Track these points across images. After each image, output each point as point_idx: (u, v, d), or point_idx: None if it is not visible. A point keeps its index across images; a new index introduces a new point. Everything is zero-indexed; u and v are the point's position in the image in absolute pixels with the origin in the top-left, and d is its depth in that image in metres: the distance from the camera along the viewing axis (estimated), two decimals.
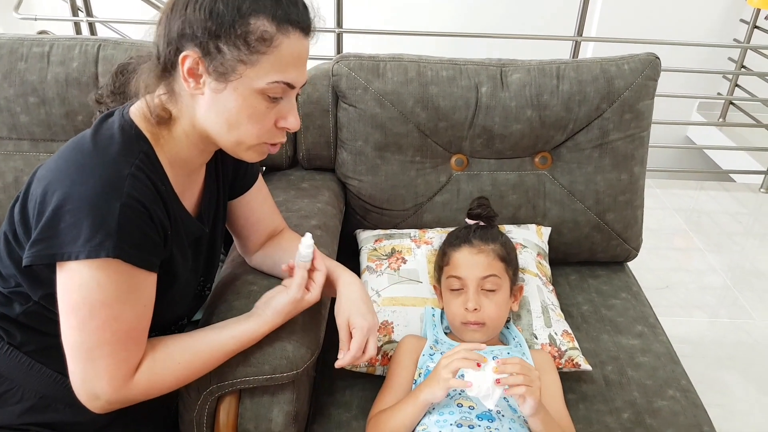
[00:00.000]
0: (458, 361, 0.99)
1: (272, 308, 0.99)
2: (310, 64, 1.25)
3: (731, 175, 3.53)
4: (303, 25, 0.85)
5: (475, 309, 1.13)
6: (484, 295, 1.15)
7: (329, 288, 1.10)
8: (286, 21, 0.83)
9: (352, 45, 2.59)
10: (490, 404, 0.96)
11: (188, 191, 0.98)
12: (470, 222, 1.27)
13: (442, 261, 1.22)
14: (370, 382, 1.23)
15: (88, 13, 2.60)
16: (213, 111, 0.86)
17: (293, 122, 0.90)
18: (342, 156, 1.51)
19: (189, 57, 0.82)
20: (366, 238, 1.47)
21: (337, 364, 1.01)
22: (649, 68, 1.48)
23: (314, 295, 1.01)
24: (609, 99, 1.46)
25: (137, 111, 0.90)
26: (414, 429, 1.04)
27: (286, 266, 1.04)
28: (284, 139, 0.93)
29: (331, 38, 2.52)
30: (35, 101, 1.44)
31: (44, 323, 0.89)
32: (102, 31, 2.85)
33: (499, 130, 1.47)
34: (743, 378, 1.97)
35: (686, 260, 2.61)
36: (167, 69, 0.86)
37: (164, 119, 0.89)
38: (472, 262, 1.16)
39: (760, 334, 2.17)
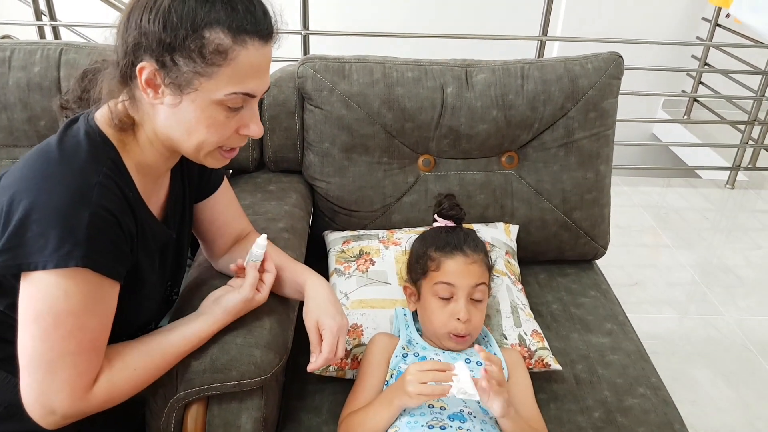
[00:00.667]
0: (426, 376, 0.98)
1: (222, 307, 1.00)
2: (275, 66, 1.24)
3: (697, 171, 3.59)
4: (262, 33, 0.83)
5: (468, 320, 1.11)
6: (472, 305, 1.13)
7: (296, 292, 1.09)
8: (242, 31, 0.81)
9: (318, 47, 2.58)
10: (476, 397, 0.95)
11: (154, 196, 0.97)
12: (441, 221, 1.26)
13: (427, 265, 1.17)
14: (340, 386, 1.22)
15: (52, 17, 2.55)
16: (172, 120, 0.86)
17: (255, 130, 0.89)
18: (309, 158, 1.50)
19: (145, 69, 0.81)
20: (334, 239, 1.46)
21: (310, 368, 1.00)
22: (613, 67, 1.49)
23: (263, 295, 1.03)
24: (573, 98, 1.47)
25: (102, 117, 0.89)
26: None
27: (234, 266, 1.06)
28: (243, 143, 0.92)
29: (297, 40, 2.50)
30: None
31: (8, 331, 0.86)
32: (66, 35, 2.79)
33: (465, 130, 1.47)
34: (713, 374, 2.00)
35: (654, 257, 2.65)
36: (126, 77, 0.84)
37: (127, 125, 0.88)
38: (467, 272, 1.14)
39: (729, 329, 2.21)
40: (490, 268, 1.21)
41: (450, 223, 1.25)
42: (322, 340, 1.02)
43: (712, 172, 3.40)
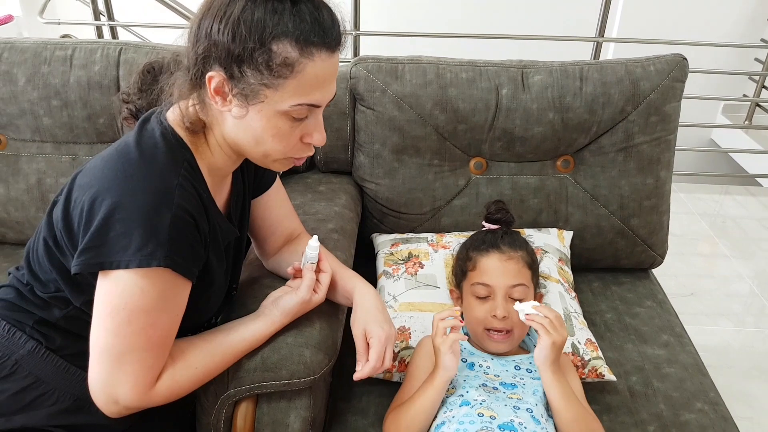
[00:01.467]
0: (443, 324, 1.04)
1: (280, 309, 1.01)
2: None
3: (758, 179, 3.45)
4: (329, 44, 0.83)
5: (504, 317, 1.10)
6: (511, 303, 1.11)
7: (345, 298, 1.09)
8: (310, 44, 0.81)
9: (369, 47, 2.58)
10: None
11: (219, 194, 0.99)
12: (488, 226, 1.24)
13: (465, 266, 1.18)
14: (387, 389, 1.21)
15: (110, 17, 2.62)
16: (240, 128, 0.87)
17: (319, 138, 0.90)
18: (359, 159, 1.50)
19: (214, 78, 0.82)
20: (383, 242, 1.45)
21: (356, 376, 1.00)
22: (676, 69, 1.44)
23: (320, 296, 1.04)
24: (634, 101, 1.42)
25: (174, 118, 0.90)
26: (431, 426, 1.03)
27: (291, 268, 1.06)
28: (311, 153, 0.93)
29: (348, 40, 2.50)
30: (58, 104, 1.45)
31: (83, 328, 0.89)
32: (123, 35, 2.87)
33: (519, 133, 1.44)
34: None
35: (711, 267, 2.55)
36: (196, 83, 0.86)
37: (198, 128, 0.90)
38: (502, 270, 1.13)
39: None
40: (532, 267, 1.17)
41: (497, 227, 1.23)
42: (369, 349, 1.01)
43: None
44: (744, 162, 3.69)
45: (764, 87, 3.62)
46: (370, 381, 1.22)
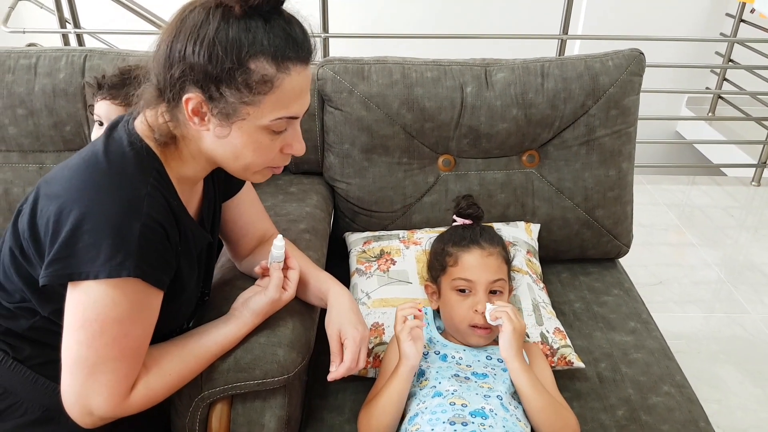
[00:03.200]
0: (401, 313, 1.07)
1: (250, 310, 1.02)
2: None
3: (722, 169, 3.54)
4: (303, 57, 0.85)
5: None
6: (492, 298, 1.14)
7: (319, 299, 1.11)
8: (285, 59, 0.82)
9: (337, 49, 2.60)
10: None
11: (191, 201, 0.99)
12: (460, 221, 1.26)
13: (445, 261, 1.19)
14: (362, 385, 1.22)
15: (76, 25, 2.60)
16: (219, 145, 0.88)
17: (298, 148, 0.92)
18: (329, 159, 1.51)
19: (192, 100, 0.83)
20: (355, 240, 1.47)
21: (330, 377, 1.02)
22: (634, 64, 1.48)
23: (290, 293, 1.05)
24: (594, 96, 1.46)
25: (142, 127, 0.89)
26: (404, 418, 1.06)
27: (259, 267, 1.07)
28: (287, 162, 0.94)
29: (317, 43, 2.52)
30: (23, 113, 1.44)
31: (51, 337, 0.89)
32: (90, 43, 2.84)
33: (485, 130, 1.47)
34: (739, 372, 1.97)
35: (679, 255, 2.61)
36: (172, 104, 0.85)
37: (168, 140, 0.90)
38: (483, 265, 1.15)
39: (755, 327, 2.17)
40: (508, 262, 1.21)
41: (468, 222, 1.25)
42: (343, 349, 1.03)
43: (738, 169, 3.35)
44: (708, 152, 3.78)
45: (725, 79, 3.71)
46: (345, 378, 1.23)
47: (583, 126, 1.48)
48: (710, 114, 3.85)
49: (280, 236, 1.04)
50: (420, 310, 1.07)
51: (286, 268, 1.06)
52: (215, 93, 0.81)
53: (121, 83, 1.23)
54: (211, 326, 1.01)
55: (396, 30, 2.96)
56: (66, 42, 2.70)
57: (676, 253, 2.63)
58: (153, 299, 0.88)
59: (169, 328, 1.02)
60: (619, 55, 1.49)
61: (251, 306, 1.02)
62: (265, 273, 1.07)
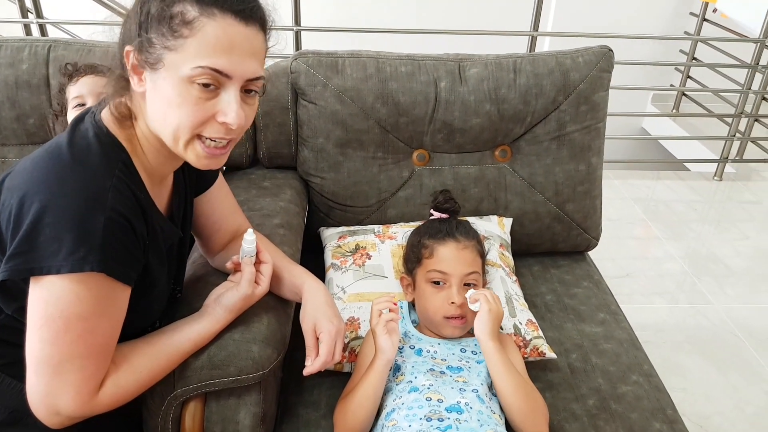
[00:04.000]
0: (377, 307, 1.08)
1: (223, 306, 1.00)
2: (269, 62, 1.24)
3: (686, 164, 3.62)
4: (236, 10, 0.80)
5: (462, 303, 1.13)
6: (465, 290, 1.15)
7: (294, 294, 1.10)
8: (212, 4, 0.79)
9: (309, 43, 2.58)
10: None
11: (160, 195, 0.97)
12: (437, 215, 1.27)
13: (420, 253, 1.20)
14: (338, 380, 1.22)
15: (38, 15, 2.53)
16: (153, 106, 0.84)
17: (232, 117, 0.83)
18: (303, 153, 1.50)
19: (130, 53, 0.83)
20: (330, 235, 1.46)
21: (306, 371, 1.01)
22: (603, 60, 1.50)
23: (263, 287, 1.03)
24: (565, 91, 1.48)
25: (107, 116, 0.88)
26: (381, 414, 1.05)
27: (231, 263, 1.05)
28: (228, 137, 0.86)
29: (289, 36, 2.50)
30: None
31: (17, 336, 0.86)
32: (53, 33, 2.77)
33: (459, 125, 1.48)
34: (703, 361, 2.02)
35: (645, 248, 2.67)
36: (124, 73, 0.85)
37: (125, 116, 0.88)
38: (459, 258, 1.16)
39: (718, 318, 2.23)
40: (482, 255, 1.22)
41: (445, 216, 1.26)
42: (318, 343, 1.02)
43: (701, 164, 3.43)
44: (673, 148, 3.87)
45: (689, 77, 3.80)
46: (320, 373, 1.22)
47: (554, 121, 1.50)
48: (674, 111, 3.94)
49: (250, 230, 1.02)
50: (395, 304, 1.07)
51: (258, 262, 1.04)
52: (145, 41, 0.81)
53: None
54: (183, 323, 0.99)
55: (366, 24, 2.95)
56: (28, 32, 2.62)
57: (642, 246, 2.69)
58: (119, 294, 0.85)
59: (141, 326, 1.00)
60: (589, 52, 1.51)
61: (224, 302, 1.00)
62: (237, 268, 1.05)
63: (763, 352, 2.07)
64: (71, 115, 1.25)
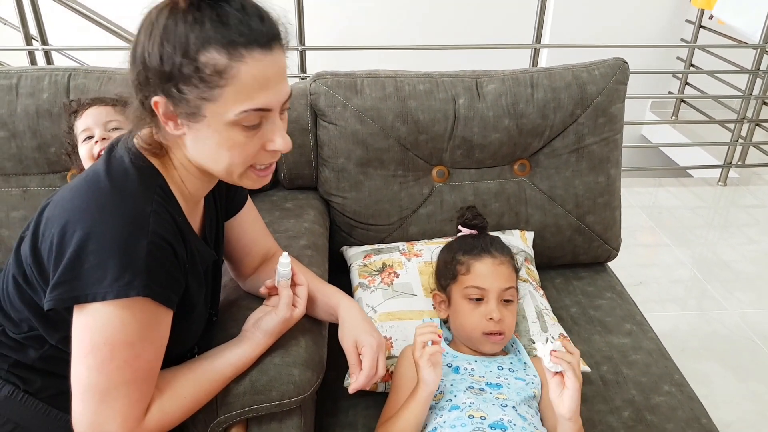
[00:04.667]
0: (421, 338, 1.04)
1: (263, 330, 1.00)
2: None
3: (688, 170, 3.65)
4: (260, 41, 0.79)
5: (501, 319, 1.13)
6: (503, 306, 1.15)
7: (329, 314, 1.10)
8: (237, 45, 0.77)
9: (313, 62, 2.60)
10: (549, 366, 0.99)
11: (193, 219, 0.97)
12: (465, 231, 1.27)
13: (456, 269, 1.20)
14: (373, 400, 1.22)
15: (44, 42, 2.53)
16: (197, 147, 0.85)
17: (280, 143, 0.85)
18: (324, 174, 1.51)
19: (159, 103, 0.81)
20: (354, 254, 1.46)
21: (352, 388, 1.01)
22: (619, 72, 1.52)
23: (300, 310, 1.03)
24: (583, 104, 1.49)
25: (140, 143, 0.88)
26: None
27: (264, 288, 1.05)
28: (275, 159, 0.89)
29: (293, 56, 2.51)
30: (5, 135, 1.40)
31: (62, 366, 0.86)
32: (57, 60, 2.77)
33: (478, 140, 1.49)
34: (722, 368, 2.03)
35: (655, 255, 2.68)
36: (146, 113, 0.84)
37: (158, 149, 0.88)
38: (496, 273, 1.17)
39: (732, 323, 2.24)
40: (517, 270, 1.23)
41: (474, 232, 1.27)
42: (360, 361, 1.02)
43: (703, 170, 3.46)
44: (674, 155, 3.89)
45: (687, 84, 3.84)
46: (355, 394, 1.23)
47: (573, 134, 1.51)
48: (674, 117, 3.97)
49: (285, 254, 1.02)
50: (439, 336, 1.06)
51: (293, 285, 1.05)
52: (175, 93, 0.79)
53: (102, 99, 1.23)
54: (224, 348, 0.99)
55: (368, 42, 2.97)
56: (33, 60, 2.63)
57: (651, 254, 2.70)
58: (162, 319, 0.85)
59: (180, 351, 1.00)
60: (605, 65, 1.53)
61: (263, 326, 1.00)
62: (272, 292, 1.05)
63: None
64: (82, 149, 1.26)
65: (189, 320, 0.96)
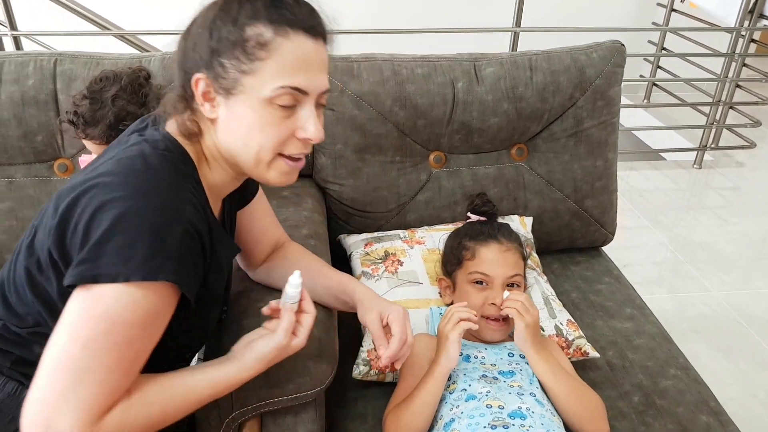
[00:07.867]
0: (458, 314, 1.06)
1: (254, 354, 0.88)
2: None
3: (661, 153, 3.70)
4: (307, 27, 0.81)
5: (502, 305, 1.12)
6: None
7: (343, 303, 1.08)
8: (284, 23, 0.79)
9: None
10: None
11: (215, 210, 0.94)
12: (474, 217, 1.26)
13: (462, 255, 1.19)
14: (380, 391, 1.20)
15: (12, 27, 2.42)
16: (229, 130, 0.83)
17: (312, 131, 0.83)
18: (321, 161, 1.47)
19: (200, 80, 0.81)
20: (354, 242, 1.43)
21: (384, 359, 0.98)
22: (617, 55, 1.52)
23: (301, 340, 0.90)
24: (582, 87, 1.48)
25: (174, 129, 0.86)
26: (435, 425, 1.03)
27: (268, 308, 0.94)
28: (307, 151, 0.87)
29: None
30: None
31: None
32: (27, 45, 2.66)
33: (477, 125, 1.47)
34: (711, 349, 2.06)
35: (637, 238, 2.71)
36: (186, 95, 0.83)
37: (193, 132, 0.86)
38: (501, 260, 1.16)
39: (718, 304, 2.28)
40: (524, 258, 1.22)
41: (483, 219, 1.25)
42: (385, 334, 1.00)
43: (677, 153, 3.50)
44: (646, 138, 3.94)
45: (659, 67, 3.88)
46: (363, 384, 1.22)
47: (571, 118, 1.51)
48: (646, 101, 4.01)
49: (297, 273, 0.89)
50: (475, 322, 1.06)
51: (299, 311, 0.91)
52: (217, 67, 0.79)
53: (93, 118, 1.14)
54: (208, 365, 0.89)
55: (344, 25, 2.92)
56: (0, 46, 2.51)
57: (633, 237, 2.73)
58: (170, 311, 0.80)
59: (193, 348, 0.96)
60: (602, 47, 1.52)
61: (255, 350, 0.88)
62: (274, 315, 0.94)
63: (767, 337, 2.13)
64: (85, 157, 1.24)
65: (209, 312, 0.92)
